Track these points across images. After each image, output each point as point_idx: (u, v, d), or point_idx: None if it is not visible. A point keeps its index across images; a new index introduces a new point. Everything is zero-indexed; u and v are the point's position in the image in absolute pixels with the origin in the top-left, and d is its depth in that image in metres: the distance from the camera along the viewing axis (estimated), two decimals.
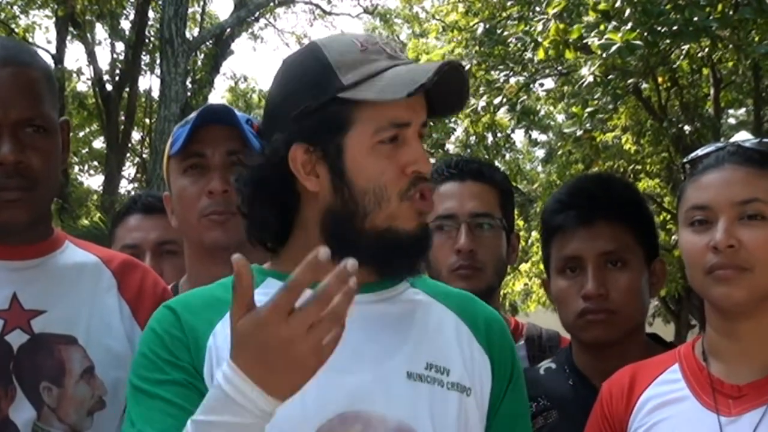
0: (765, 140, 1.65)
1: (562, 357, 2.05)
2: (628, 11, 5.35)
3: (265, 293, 1.44)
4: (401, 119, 1.42)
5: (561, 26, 6.24)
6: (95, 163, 20.81)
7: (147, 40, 17.13)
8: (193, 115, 1.98)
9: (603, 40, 5.24)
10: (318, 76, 1.43)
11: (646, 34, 5.23)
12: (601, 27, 5.47)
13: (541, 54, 6.71)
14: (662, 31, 5.32)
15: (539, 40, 6.70)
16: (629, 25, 5.23)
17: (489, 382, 1.50)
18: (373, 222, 1.41)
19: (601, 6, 5.55)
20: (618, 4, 5.42)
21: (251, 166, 1.48)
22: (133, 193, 18.99)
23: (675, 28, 5.37)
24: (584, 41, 6.10)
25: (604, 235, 1.94)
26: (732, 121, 15.23)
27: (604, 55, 5.31)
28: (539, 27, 6.67)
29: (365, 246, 1.42)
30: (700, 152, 1.70)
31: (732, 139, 1.70)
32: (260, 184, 1.47)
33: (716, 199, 1.60)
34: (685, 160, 1.73)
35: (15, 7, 17.14)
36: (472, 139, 11.21)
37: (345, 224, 1.42)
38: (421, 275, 1.55)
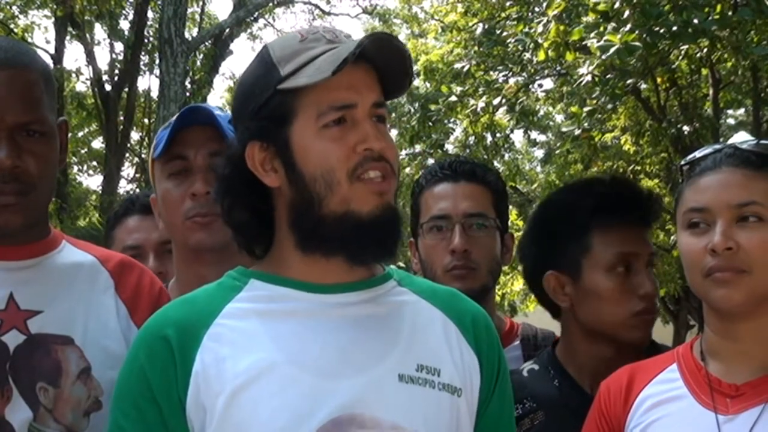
0: (762, 142, 1.65)
1: (544, 358, 2.04)
2: (627, 12, 5.34)
3: (249, 297, 1.45)
4: (342, 101, 1.42)
5: (561, 28, 6.24)
6: (94, 163, 20.79)
7: (146, 41, 17.12)
8: (175, 117, 1.99)
9: (602, 42, 5.24)
10: (262, 73, 1.45)
11: (644, 35, 5.23)
12: (601, 28, 5.47)
13: (541, 56, 6.71)
14: (661, 32, 5.31)
15: (539, 41, 6.70)
16: (628, 26, 5.23)
17: (478, 381, 1.50)
18: (330, 207, 1.41)
19: (600, 7, 5.55)
20: (617, 5, 5.41)
21: (220, 176, 1.50)
22: (131, 193, 19.01)
23: (674, 29, 5.37)
24: (584, 42, 6.10)
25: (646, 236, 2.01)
26: (731, 121, 15.25)
27: (603, 57, 5.31)
28: (539, 29, 6.67)
29: (328, 234, 1.42)
30: (697, 154, 1.70)
31: (731, 140, 1.70)
32: (230, 190, 1.49)
33: (713, 201, 1.60)
34: (682, 162, 1.73)
35: (14, 7, 17.14)
36: (471, 139, 11.19)
37: (305, 215, 1.43)
38: (392, 264, 1.54)
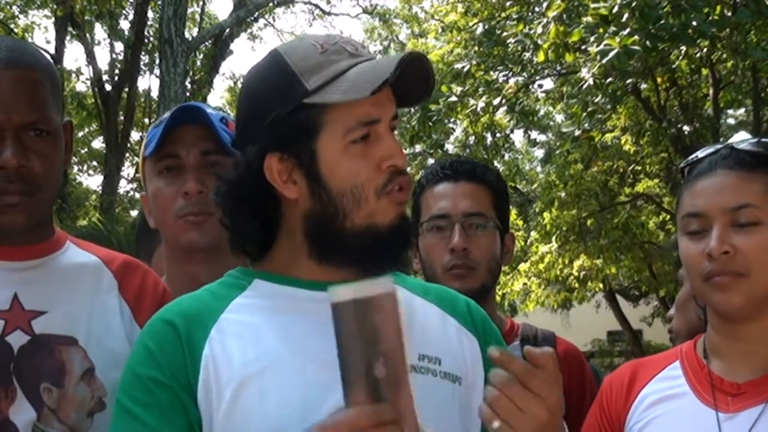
0: (763, 140, 1.65)
1: None
2: (626, 16, 5.34)
3: (253, 294, 1.46)
4: (370, 117, 1.42)
5: (561, 28, 6.24)
6: (94, 163, 20.81)
7: (146, 40, 17.13)
8: (166, 115, 1.99)
9: (601, 46, 5.25)
10: (283, 83, 1.43)
11: (644, 38, 5.24)
12: (600, 31, 5.47)
13: (541, 57, 6.71)
14: (660, 34, 5.32)
15: (539, 42, 6.71)
16: (627, 30, 5.23)
17: (480, 364, 1.53)
18: (353, 221, 1.42)
19: (600, 11, 5.55)
20: (616, 9, 5.42)
21: (229, 181, 1.49)
22: (132, 193, 19.03)
23: (673, 30, 5.38)
24: (584, 46, 6.12)
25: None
26: (731, 121, 15.27)
27: (603, 61, 5.32)
28: (539, 30, 6.67)
29: (349, 246, 1.43)
30: (699, 155, 1.70)
31: (731, 140, 1.70)
32: (240, 198, 1.48)
33: (709, 206, 1.61)
34: (681, 164, 1.74)
35: (14, 7, 17.15)
36: (471, 139, 11.20)
37: (327, 227, 1.44)
38: (406, 270, 1.56)
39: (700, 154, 1.70)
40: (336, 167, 1.42)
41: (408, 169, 1.48)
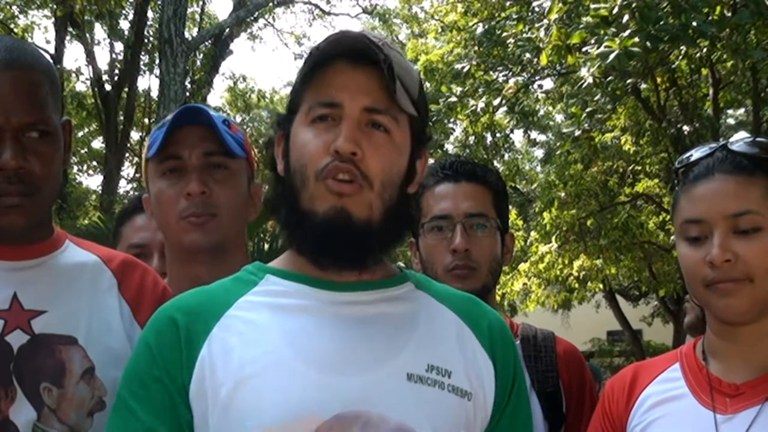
0: (758, 139, 1.64)
1: None
2: (626, 17, 5.35)
3: (263, 291, 1.46)
4: (329, 98, 1.42)
5: (562, 30, 6.25)
6: (94, 163, 20.79)
7: (146, 40, 17.13)
8: (169, 117, 1.99)
9: (602, 48, 5.25)
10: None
11: (644, 39, 5.24)
12: (601, 32, 5.48)
13: (544, 60, 6.72)
14: (660, 35, 5.32)
15: (541, 46, 6.72)
16: (627, 32, 5.24)
17: (492, 386, 1.49)
18: (300, 203, 1.42)
19: (600, 11, 5.56)
20: (616, 9, 5.42)
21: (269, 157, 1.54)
22: (132, 193, 19.01)
23: (674, 30, 5.38)
24: (585, 49, 6.12)
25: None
26: (731, 121, 15.26)
27: (603, 63, 5.33)
28: (541, 34, 6.68)
29: (298, 231, 1.44)
30: (692, 155, 1.69)
31: (731, 139, 1.68)
32: (274, 173, 1.52)
33: (709, 213, 1.59)
34: (675, 165, 1.72)
35: (14, 7, 17.14)
36: (471, 139, 11.21)
37: (285, 206, 1.46)
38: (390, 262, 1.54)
39: (695, 154, 1.69)
40: (295, 145, 1.44)
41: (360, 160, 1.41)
